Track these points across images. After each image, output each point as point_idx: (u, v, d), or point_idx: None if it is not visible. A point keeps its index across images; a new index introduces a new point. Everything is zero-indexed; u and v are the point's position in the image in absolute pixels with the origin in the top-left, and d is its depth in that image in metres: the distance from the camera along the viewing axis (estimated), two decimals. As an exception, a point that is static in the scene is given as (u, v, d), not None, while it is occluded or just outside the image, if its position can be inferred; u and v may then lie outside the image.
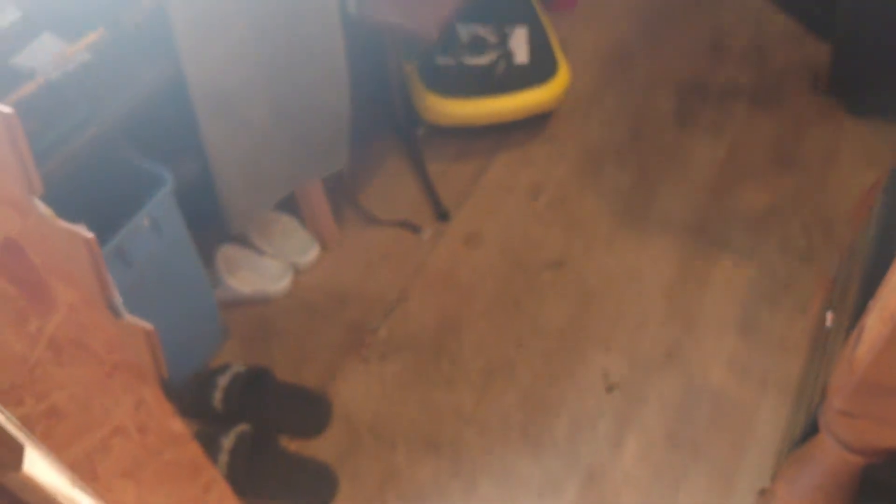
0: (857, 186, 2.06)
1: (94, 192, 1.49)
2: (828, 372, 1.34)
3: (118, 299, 1.09)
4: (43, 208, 0.92)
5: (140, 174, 1.56)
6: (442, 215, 2.11)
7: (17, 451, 0.70)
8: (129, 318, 1.13)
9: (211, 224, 1.97)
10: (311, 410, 1.77)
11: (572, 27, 2.59)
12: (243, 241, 2.03)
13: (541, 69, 2.18)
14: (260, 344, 1.90)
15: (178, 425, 1.12)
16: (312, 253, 2.01)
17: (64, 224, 0.98)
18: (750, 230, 2.01)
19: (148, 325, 1.15)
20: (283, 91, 1.64)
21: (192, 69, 1.45)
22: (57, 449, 0.91)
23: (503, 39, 2.22)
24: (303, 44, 1.59)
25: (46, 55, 1.45)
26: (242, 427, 1.69)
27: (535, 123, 2.28)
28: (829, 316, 1.45)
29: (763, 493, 1.44)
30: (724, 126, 2.26)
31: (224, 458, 1.65)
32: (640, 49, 2.51)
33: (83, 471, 0.98)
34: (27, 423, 0.83)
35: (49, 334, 0.92)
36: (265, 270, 1.99)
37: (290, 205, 1.97)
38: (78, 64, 1.42)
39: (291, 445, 1.71)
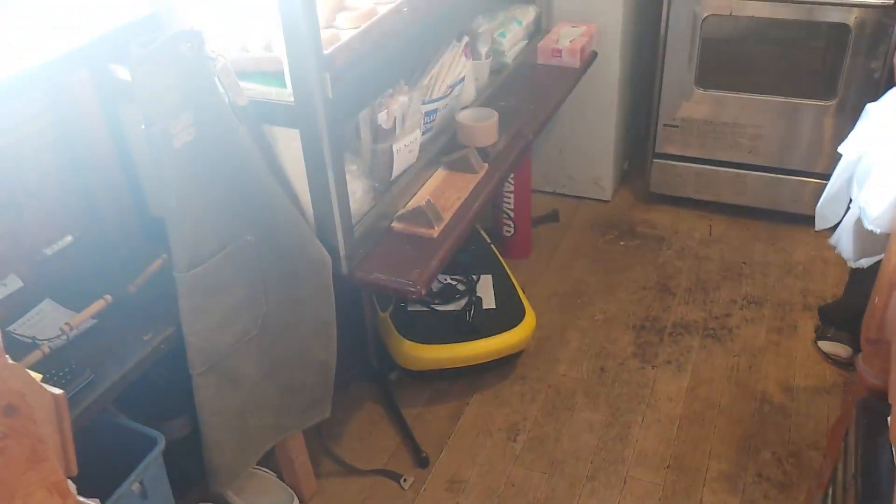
0: (814, 411, 2.17)
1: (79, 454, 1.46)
2: None
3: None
4: (73, 488, 0.91)
5: (126, 435, 1.54)
6: (421, 461, 2.09)
7: None
8: None
9: (189, 486, 1.91)
10: None
11: (529, 273, 2.78)
12: (218, 499, 1.96)
13: (509, 314, 2.30)
14: None
15: None
16: (292, 508, 1.95)
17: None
18: (725, 462, 2.06)
19: None
20: (274, 346, 1.69)
21: (192, 329, 1.49)
22: None
23: (471, 287, 2.36)
24: (297, 303, 1.67)
25: (47, 322, 1.48)
26: None
27: (505, 364, 2.37)
28: (827, 550, 1.47)
29: None
30: (683, 360, 2.38)
31: None
32: (595, 291, 2.69)
33: None
34: None
35: None
36: (242, 530, 1.91)
37: (263, 458, 1.93)
38: (82, 330, 1.45)
39: None
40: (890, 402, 1.27)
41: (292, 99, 1.47)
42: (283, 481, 2.00)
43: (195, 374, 1.54)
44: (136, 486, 1.45)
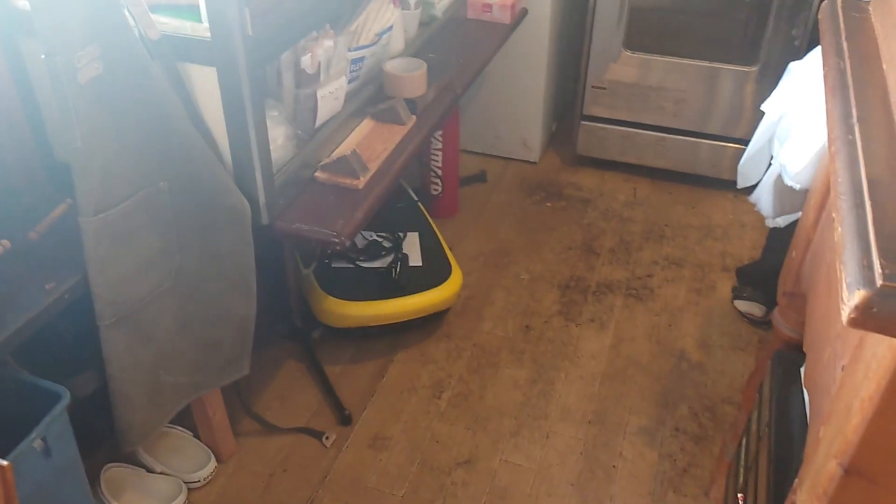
0: (729, 367, 2.23)
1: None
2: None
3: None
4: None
5: (27, 391, 1.45)
6: (344, 419, 2.06)
7: None
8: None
9: (98, 445, 1.83)
10: None
11: (456, 232, 2.76)
12: (130, 458, 1.89)
13: (435, 271, 2.28)
14: (150, 576, 1.71)
15: None
16: (208, 467, 1.89)
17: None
18: (644, 416, 2.10)
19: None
20: (190, 299, 1.62)
21: (99, 279, 1.41)
22: None
23: (397, 244, 2.33)
24: (214, 254, 1.60)
25: (-62, 269, 1.37)
26: None
27: (430, 322, 2.34)
28: (741, 497, 1.51)
29: None
30: (606, 318, 2.41)
31: None
32: (520, 251, 2.69)
33: None
34: None
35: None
36: (156, 491, 1.84)
37: (179, 416, 1.86)
38: (-25, 278, 1.35)
39: None
40: (804, 350, 1.30)
41: (209, 34, 1.39)
42: (200, 440, 1.94)
43: (103, 325, 1.46)
44: (38, 444, 1.36)
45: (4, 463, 0.88)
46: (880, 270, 0.70)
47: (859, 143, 0.90)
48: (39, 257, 1.43)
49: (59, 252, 1.44)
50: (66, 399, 1.42)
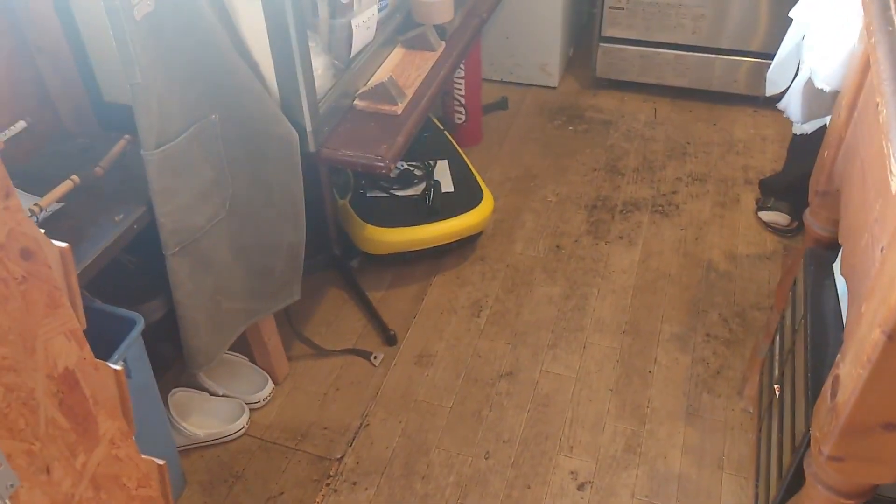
0: (756, 275, 2.31)
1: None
2: (785, 435, 1.47)
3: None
4: (83, 341, 0.92)
5: (100, 319, 1.54)
6: (389, 339, 2.16)
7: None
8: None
9: (163, 372, 1.94)
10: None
11: (482, 159, 2.81)
12: (193, 384, 2.00)
13: (467, 196, 2.34)
14: (222, 489, 1.83)
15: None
16: (267, 389, 2.00)
17: (92, 358, 0.97)
18: (676, 324, 2.18)
19: (160, 460, 1.12)
20: (243, 228, 1.69)
21: (163, 210, 1.48)
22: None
23: (429, 171, 2.39)
24: (264, 184, 1.66)
25: (12, 207, 1.44)
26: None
27: (464, 246, 2.42)
28: (777, 388, 1.60)
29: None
30: (634, 234, 2.48)
31: None
32: (546, 174, 2.74)
33: None
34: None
35: (92, 470, 0.91)
36: (220, 412, 1.95)
37: (235, 344, 1.95)
38: (50, 213, 1.43)
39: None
40: (840, 241, 1.37)
41: (253, -34, 1.43)
42: (256, 365, 2.04)
43: (168, 254, 1.54)
44: (120, 365, 1.46)
45: (118, 367, 0.97)
46: (927, 143, 0.76)
47: (898, 33, 0.95)
48: (106, 192, 1.50)
49: (123, 186, 1.52)
50: (142, 323, 1.51)
